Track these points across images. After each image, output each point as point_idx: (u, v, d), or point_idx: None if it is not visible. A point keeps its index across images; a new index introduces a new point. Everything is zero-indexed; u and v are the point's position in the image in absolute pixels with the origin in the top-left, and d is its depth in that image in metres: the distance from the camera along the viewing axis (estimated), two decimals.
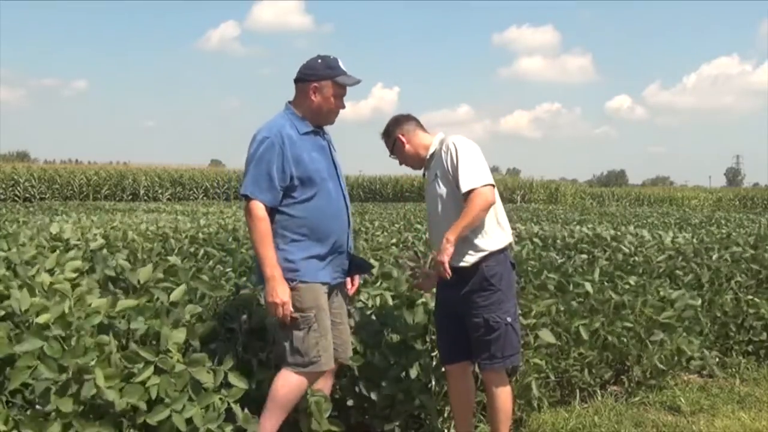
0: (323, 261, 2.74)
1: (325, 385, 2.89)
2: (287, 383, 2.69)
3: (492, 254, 2.84)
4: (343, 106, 2.84)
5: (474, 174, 2.77)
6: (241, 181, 2.84)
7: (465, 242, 2.81)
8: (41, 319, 2.59)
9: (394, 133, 3.03)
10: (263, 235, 2.64)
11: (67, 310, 2.66)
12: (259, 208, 2.64)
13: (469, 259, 2.83)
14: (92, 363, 2.46)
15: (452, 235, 2.74)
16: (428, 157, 2.98)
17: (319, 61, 2.77)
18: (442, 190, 2.87)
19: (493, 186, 2.80)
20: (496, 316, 2.81)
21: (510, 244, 2.97)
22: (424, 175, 3.09)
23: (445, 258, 2.72)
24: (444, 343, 3.04)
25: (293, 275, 2.67)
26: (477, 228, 2.81)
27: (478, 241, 2.83)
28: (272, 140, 2.67)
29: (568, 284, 4.14)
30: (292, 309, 2.63)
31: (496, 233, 2.87)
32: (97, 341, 2.59)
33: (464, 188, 2.76)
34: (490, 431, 3.00)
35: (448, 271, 2.73)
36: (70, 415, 2.41)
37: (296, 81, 2.81)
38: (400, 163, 3.08)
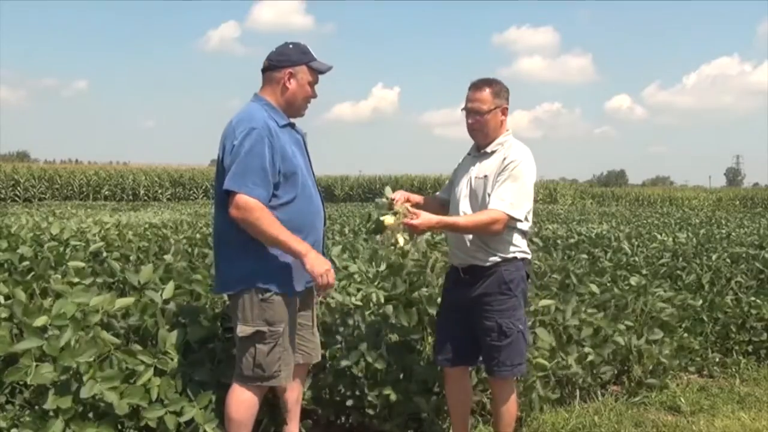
0: (302, 266, 2.54)
1: (296, 391, 2.83)
2: (242, 401, 2.56)
3: (511, 260, 2.78)
4: (316, 95, 2.67)
5: (509, 201, 2.67)
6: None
7: (486, 243, 2.76)
8: (39, 321, 2.58)
9: (503, 99, 2.78)
10: (271, 221, 2.41)
11: (64, 310, 2.66)
12: (252, 201, 2.40)
13: (489, 258, 2.76)
14: (84, 362, 2.45)
15: (445, 223, 2.67)
16: (490, 152, 2.81)
17: (291, 46, 2.62)
18: (484, 191, 2.76)
19: (518, 220, 2.70)
20: (510, 323, 2.76)
21: (529, 257, 2.90)
22: (468, 155, 2.92)
23: (418, 224, 2.58)
24: (445, 346, 2.93)
25: (269, 285, 2.50)
26: (503, 233, 2.74)
27: (499, 245, 2.77)
28: (260, 132, 2.45)
29: (574, 285, 4.14)
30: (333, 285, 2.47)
31: (521, 243, 2.82)
32: (96, 337, 2.59)
33: (492, 204, 2.68)
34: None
35: (416, 226, 2.58)
36: (70, 413, 2.41)
37: (266, 70, 2.63)
38: (471, 128, 2.81)
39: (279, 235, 2.42)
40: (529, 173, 2.75)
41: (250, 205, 2.40)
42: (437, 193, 3.15)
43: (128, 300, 2.85)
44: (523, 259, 2.83)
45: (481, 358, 2.92)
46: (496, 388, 2.91)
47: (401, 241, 2.61)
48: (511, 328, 2.76)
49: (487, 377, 3.00)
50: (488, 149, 2.82)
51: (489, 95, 2.77)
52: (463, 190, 2.85)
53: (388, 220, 2.58)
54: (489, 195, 2.73)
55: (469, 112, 2.80)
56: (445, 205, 3.02)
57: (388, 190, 2.82)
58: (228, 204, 2.44)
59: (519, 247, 2.81)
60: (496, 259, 2.77)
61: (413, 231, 2.61)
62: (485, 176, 2.77)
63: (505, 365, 2.78)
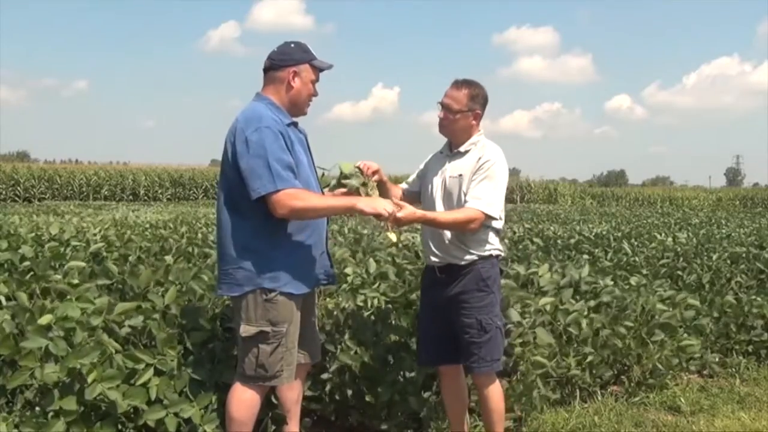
0: (308, 265, 2.60)
1: (296, 391, 2.82)
2: (243, 401, 2.55)
3: (487, 258, 2.82)
4: (317, 93, 2.68)
5: (485, 200, 2.72)
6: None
7: (463, 242, 2.79)
8: (44, 320, 2.58)
9: (477, 104, 2.81)
10: (317, 198, 2.50)
11: (69, 312, 2.66)
12: (292, 191, 2.42)
13: (466, 257, 2.79)
14: (88, 363, 2.45)
15: (426, 218, 2.69)
16: (464, 151, 2.84)
17: (292, 45, 2.63)
18: (459, 190, 2.79)
19: (494, 218, 2.75)
20: (489, 318, 2.79)
21: (503, 254, 2.95)
22: (440, 152, 2.95)
23: (402, 216, 2.56)
24: (426, 345, 2.96)
25: (274, 285, 2.50)
26: (479, 231, 2.77)
27: (476, 243, 2.80)
28: (272, 129, 2.47)
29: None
30: (389, 210, 2.49)
31: (495, 241, 2.86)
32: (98, 341, 2.59)
33: (469, 204, 2.72)
34: (485, 431, 2.99)
35: (397, 216, 2.56)
36: (73, 414, 2.41)
37: (268, 70, 2.63)
38: (440, 123, 2.85)
39: (329, 204, 2.56)
40: (503, 173, 2.82)
41: (293, 195, 2.42)
42: (404, 184, 3.16)
43: (129, 305, 2.84)
44: (497, 256, 2.89)
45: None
46: (480, 386, 2.90)
47: (393, 238, 2.66)
48: (490, 324, 2.79)
49: (471, 377, 2.98)
50: (461, 148, 2.86)
51: (464, 96, 2.80)
52: (437, 191, 2.88)
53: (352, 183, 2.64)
54: (464, 194, 2.77)
55: (442, 106, 2.84)
56: (409, 198, 3.03)
57: (345, 166, 2.77)
58: (271, 207, 2.43)
59: (494, 244, 2.86)
60: (473, 257, 2.80)
61: (397, 223, 2.61)
62: (460, 175, 2.82)
63: (485, 361, 2.80)
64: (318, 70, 2.66)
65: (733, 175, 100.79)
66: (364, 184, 2.72)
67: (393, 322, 3.32)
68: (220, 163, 2.62)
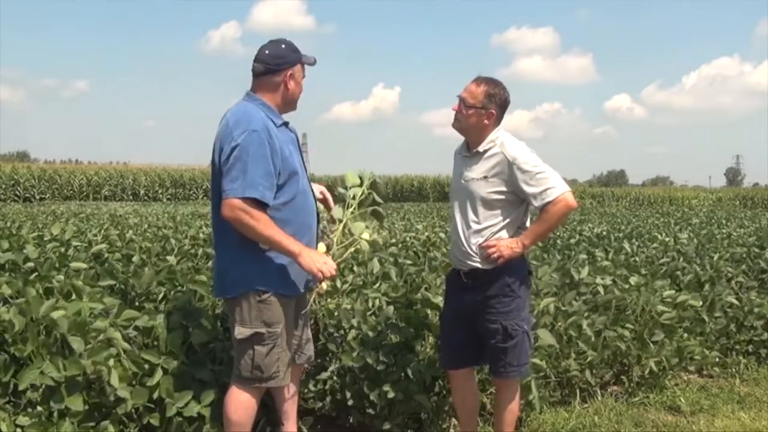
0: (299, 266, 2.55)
1: (291, 391, 2.82)
2: (241, 402, 2.55)
3: (514, 260, 2.77)
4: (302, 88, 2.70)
5: (554, 182, 2.70)
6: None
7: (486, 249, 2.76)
8: (57, 314, 2.58)
9: (493, 104, 2.77)
10: (267, 222, 2.41)
11: (82, 310, 2.67)
12: (257, 210, 2.40)
13: (492, 262, 2.77)
14: (111, 363, 2.47)
15: (528, 240, 2.74)
16: (483, 151, 2.79)
17: (283, 46, 2.61)
18: (487, 192, 2.75)
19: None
20: (515, 324, 2.77)
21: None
22: (457, 154, 2.93)
23: (506, 255, 2.69)
24: (449, 349, 2.96)
25: (267, 287, 2.50)
26: (503, 232, 2.76)
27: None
28: (261, 134, 2.44)
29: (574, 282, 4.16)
30: (331, 270, 2.51)
31: None
32: (109, 339, 2.60)
33: (549, 197, 2.68)
34: (495, 430, 3.00)
35: (498, 262, 2.71)
36: (79, 414, 2.42)
37: (263, 74, 2.60)
38: (456, 118, 2.83)
39: (274, 235, 2.43)
40: (537, 157, 2.77)
41: (254, 212, 2.39)
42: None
43: (135, 313, 2.84)
44: (523, 259, 2.85)
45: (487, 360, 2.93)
46: (501, 389, 2.91)
47: (324, 286, 2.62)
48: (516, 330, 2.77)
49: (493, 378, 3.00)
50: (480, 148, 2.80)
51: (481, 93, 2.78)
52: (463, 194, 2.82)
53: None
54: (493, 195, 2.74)
55: (459, 99, 2.83)
56: None
57: (349, 176, 2.85)
58: (221, 205, 2.43)
59: None
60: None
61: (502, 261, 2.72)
62: (484, 177, 2.76)
63: (512, 366, 2.80)
64: (305, 66, 2.67)
65: (733, 175, 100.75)
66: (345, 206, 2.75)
67: (394, 321, 3.33)
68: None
